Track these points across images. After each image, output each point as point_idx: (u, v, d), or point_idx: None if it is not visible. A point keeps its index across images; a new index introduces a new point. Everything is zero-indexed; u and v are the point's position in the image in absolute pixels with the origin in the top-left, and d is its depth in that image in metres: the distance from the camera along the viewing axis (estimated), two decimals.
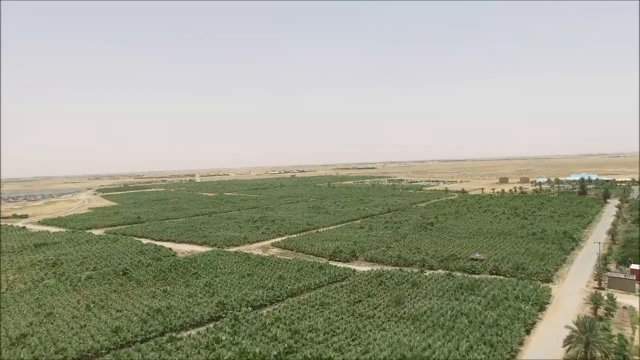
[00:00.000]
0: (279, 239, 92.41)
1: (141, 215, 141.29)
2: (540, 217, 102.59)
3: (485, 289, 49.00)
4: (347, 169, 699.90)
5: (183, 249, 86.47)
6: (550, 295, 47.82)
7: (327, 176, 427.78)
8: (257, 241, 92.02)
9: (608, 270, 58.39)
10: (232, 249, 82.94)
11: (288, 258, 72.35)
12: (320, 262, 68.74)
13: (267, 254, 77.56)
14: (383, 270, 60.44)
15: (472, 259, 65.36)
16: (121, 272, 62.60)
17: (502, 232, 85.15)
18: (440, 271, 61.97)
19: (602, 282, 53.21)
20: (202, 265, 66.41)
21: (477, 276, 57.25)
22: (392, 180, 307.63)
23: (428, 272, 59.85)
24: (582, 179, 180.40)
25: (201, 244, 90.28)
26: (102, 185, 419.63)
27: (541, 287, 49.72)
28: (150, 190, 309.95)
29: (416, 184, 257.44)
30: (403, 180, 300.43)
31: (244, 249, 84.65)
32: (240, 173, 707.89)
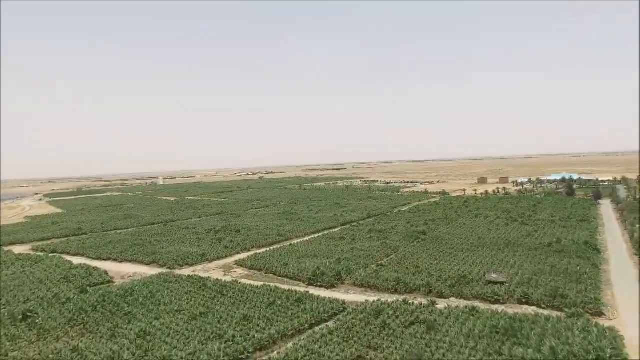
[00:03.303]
0: (244, 255, 76.47)
1: (84, 225, 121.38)
2: (542, 223, 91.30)
3: (532, 334, 35.27)
4: (317, 169, 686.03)
5: (124, 270, 69.15)
6: (624, 344, 34.57)
7: (296, 177, 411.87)
8: (218, 258, 75.81)
9: None
10: (186, 271, 66.45)
11: (256, 284, 56.73)
12: (298, 289, 53.57)
13: (229, 278, 61.61)
14: (382, 303, 45.89)
15: (489, 281, 52.04)
16: (21, 316, 45.03)
17: (508, 243, 72.66)
18: (454, 300, 48.21)
19: None
20: (141, 300, 49.79)
21: (506, 309, 43.78)
22: (365, 181, 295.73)
23: (441, 304, 45.81)
24: (564, 179, 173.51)
25: (148, 264, 73.11)
26: (53, 190, 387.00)
27: (604, 327, 36.48)
28: (105, 194, 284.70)
29: (391, 185, 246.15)
30: (377, 181, 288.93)
31: (200, 269, 68.34)
32: (206, 175, 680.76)
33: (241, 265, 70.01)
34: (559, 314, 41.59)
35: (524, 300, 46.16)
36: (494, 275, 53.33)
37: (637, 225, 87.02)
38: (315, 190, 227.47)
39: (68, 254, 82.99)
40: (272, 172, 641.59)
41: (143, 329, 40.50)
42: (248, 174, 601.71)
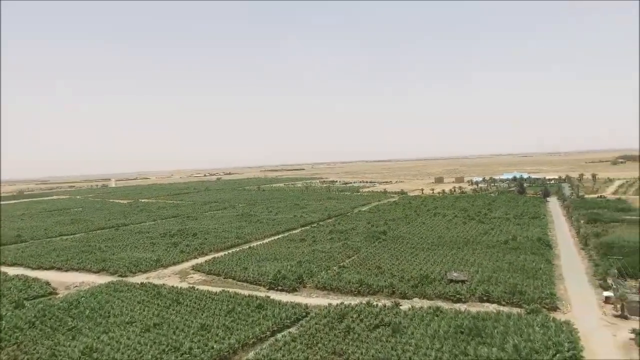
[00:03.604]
0: (201, 260, 73.39)
1: (24, 231, 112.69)
2: (497, 221, 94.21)
3: (496, 332, 35.42)
4: (276, 170, 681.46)
5: (70, 280, 64.16)
6: (579, 337, 35.36)
7: (255, 178, 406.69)
8: (174, 263, 72.24)
9: (609, 286, 48.72)
10: (139, 279, 62.67)
11: (214, 290, 54.20)
12: (258, 294, 51.63)
13: (185, 284, 58.59)
14: (345, 306, 44.89)
15: (451, 280, 52.39)
16: None
17: (467, 241, 74.08)
18: (417, 300, 48.04)
19: (617, 307, 42.57)
20: (87, 312, 46.02)
21: (468, 307, 44.05)
22: (324, 181, 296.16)
23: (404, 305, 45.40)
24: (515, 178, 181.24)
25: (97, 272, 68.35)
26: None
27: (561, 322, 37.29)
28: (50, 198, 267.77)
29: (350, 185, 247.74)
30: (336, 181, 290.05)
31: (154, 276, 64.73)
32: (161, 176, 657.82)
33: (198, 271, 67.02)
34: (519, 310, 42.26)
35: (485, 298, 46.67)
36: (455, 274, 53.81)
37: (582, 221, 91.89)
38: (275, 191, 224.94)
39: (4, 264, 76.11)
40: (230, 173, 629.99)
41: (89, 345, 37.15)
42: (205, 175, 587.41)
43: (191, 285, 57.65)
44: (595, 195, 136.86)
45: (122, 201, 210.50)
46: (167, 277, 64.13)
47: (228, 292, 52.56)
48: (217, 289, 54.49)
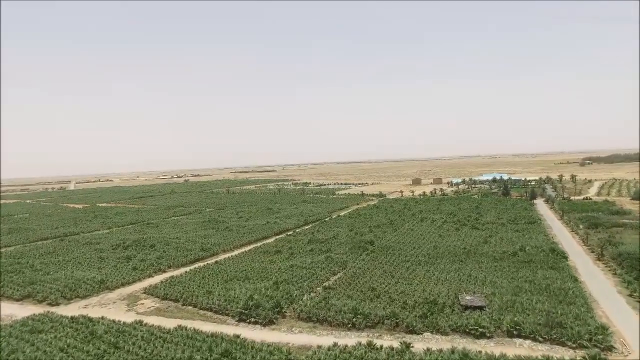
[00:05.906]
0: (158, 279, 60.92)
1: None
2: (492, 226, 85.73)
3: None
4: (246, 172, 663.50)
5: None
6: None
7: (224, 180, 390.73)
8: (123, 285, 59.35)
9: None
10: (73, 308, 49.82)
11: (168, 325, 42.14)
12: (225, 331, 40.04)
13: (132, 316, 46.15)
14: (340, 350, 33.94)
15: (466, 306, 42.38)
16: None
17: (467, 252, 64.69)
18: (429, 336, 37.63)
19: None
20: None
21: (496, 346, 33.99)
22: (297, 183, 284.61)
23: (416, 344, 34.90)
24: (496, 179, 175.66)
25: (20, 300, 54.66)
26: None
27: None
28: None
29: (325, 187, 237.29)
30: (309, 183, 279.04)
31: (96, 303, 51.94)
32: (126, 178, 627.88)
33: (152, 294, 54.51)
34: (569, 352, 32.58)
35: (515, 333, 36.76)
36: (469, 298, 43.95)
37: (581, 226, 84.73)
38: (245, 194, 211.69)
39: None
40: (198, 175, 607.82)
41: None
42: (172, 177, 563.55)
43: (139, 318, 45.31)
44: (581, 197, 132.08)
45: (77, 206, 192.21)
46: (112, 305, 51.41)
47: (186, 328, 40.77)
48: (172, 324, 42.51)
